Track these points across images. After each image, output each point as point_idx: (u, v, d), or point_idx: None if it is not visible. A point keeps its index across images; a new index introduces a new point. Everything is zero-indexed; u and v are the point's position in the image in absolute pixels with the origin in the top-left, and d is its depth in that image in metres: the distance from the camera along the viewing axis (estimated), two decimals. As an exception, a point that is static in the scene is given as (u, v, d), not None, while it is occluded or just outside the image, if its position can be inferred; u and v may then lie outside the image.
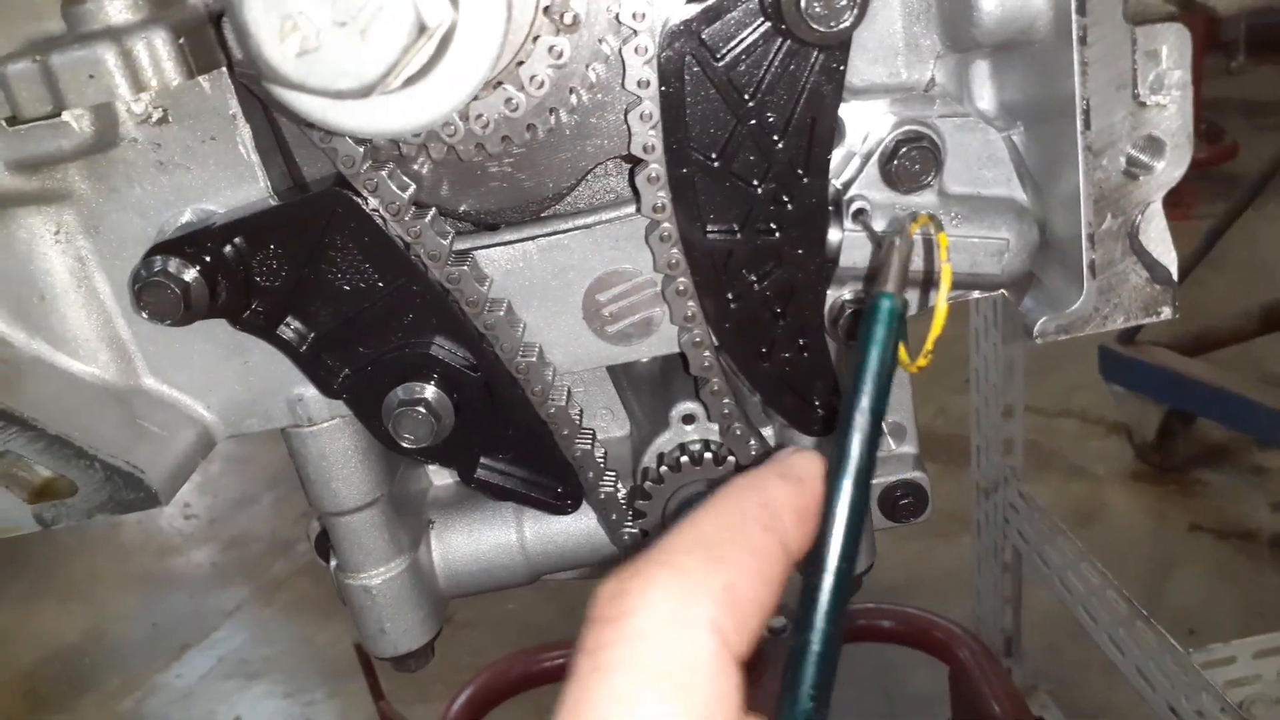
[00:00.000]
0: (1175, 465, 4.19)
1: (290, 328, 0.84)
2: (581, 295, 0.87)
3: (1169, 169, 0.74)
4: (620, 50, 0.74)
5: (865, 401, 0.54)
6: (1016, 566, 3.22)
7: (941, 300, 0.59)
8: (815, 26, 0.68)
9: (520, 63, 0.70)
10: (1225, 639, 2.65)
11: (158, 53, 0.74)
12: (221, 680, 4.13)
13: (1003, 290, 0.85)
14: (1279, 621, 3.11)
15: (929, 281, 0.80)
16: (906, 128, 0.78)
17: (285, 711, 3.91)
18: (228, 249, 0.80)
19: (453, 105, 0.56)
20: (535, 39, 0.70)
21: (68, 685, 4.16)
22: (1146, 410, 4.19)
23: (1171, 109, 0.73)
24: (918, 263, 0.79)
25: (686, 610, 0.47)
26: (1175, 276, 0.77)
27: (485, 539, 1.04)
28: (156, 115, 0.80)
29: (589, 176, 0.85)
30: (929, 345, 0.61)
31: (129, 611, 4.61)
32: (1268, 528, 3.93)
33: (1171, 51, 0.71)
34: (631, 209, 0.85)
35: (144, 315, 0.79)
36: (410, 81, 0.53)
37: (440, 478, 1.11)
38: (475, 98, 0.71)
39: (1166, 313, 0.79)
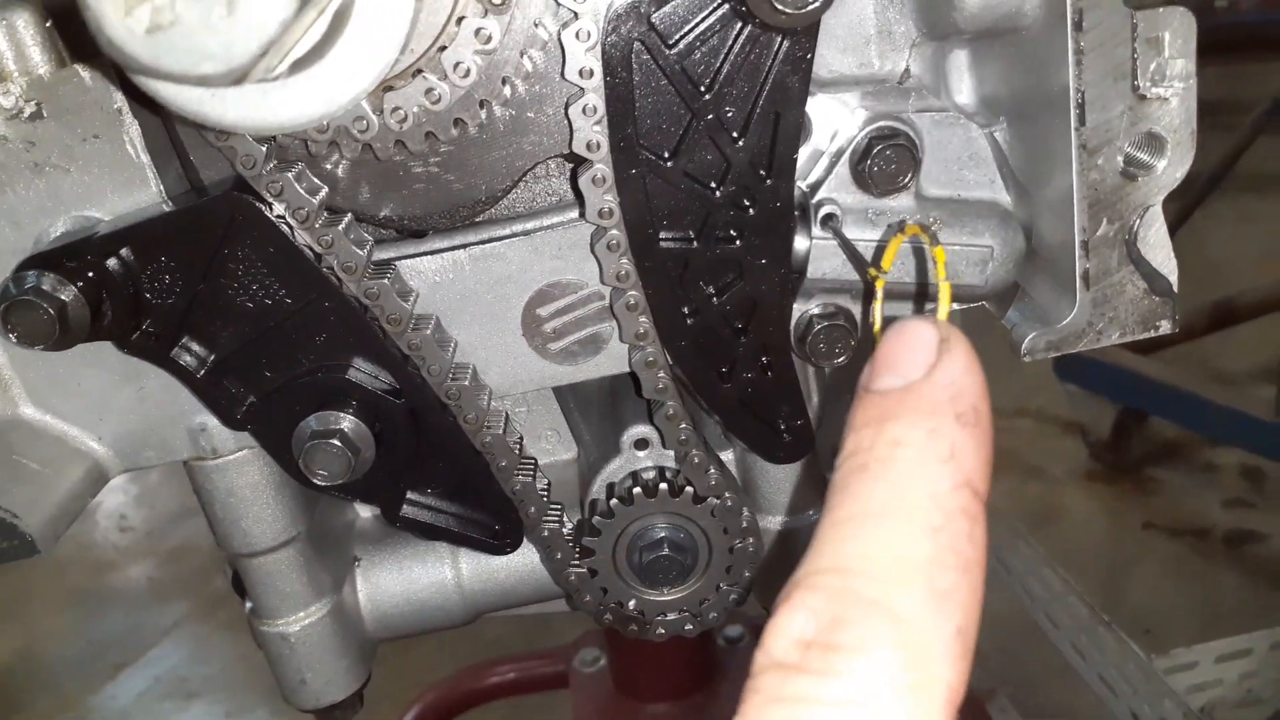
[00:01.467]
0: (1129, 464, 4.19)
1: (187, 350, 0.74)
2: (520, 309, 0.78)
3: (1170, 169, 0.67)
4: (559, 35, 0.65)
5: None
6: (975, 570, 3.17)
7: (941, 319, 0.50)
8: (781, 9, 0.59)
9: (443, 48, 0.61)
10: (1181, 638, 2.62)
11: (19, 36, 0.65)
12: (159, 700, 3.97)
13: (984, 303, 0.77)
14: (1234, 619, 3.10)
15: (922, 295, 0.72)
16: (880, 124, 0.70)
17: (226, 732, 3.76)
18: (112, 262, 0.70)
19: (352, 95, 0.47)
20: (459, 20, 0.61)
21: (-5, 708, 3.97)
22: (1100, 409, 4.18)
23: (1174, 102, 0.65)
24: (901, 274, 0.71)
25: (917, 675, 0.38)
26: (1175, 287, 0.70)
27: (417, 577, 0.95)
28: (29, 110, 0.70)
29: (527, 178, 0.76)
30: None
31: (62, 630, 4.43)
32: (1220, 525, 3.93)
33: (1175, 38, 0.64)
34: (575, 213, 0.76)
35: (13, 339, 0.68)
36: (300, 65, 0.43)
37: (368, 510, 1.01)
38: (388, 87, 0.62)
39: (1165, 327, 0.71)
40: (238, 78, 0.39)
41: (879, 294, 0.58)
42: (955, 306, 0.75)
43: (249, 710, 3.81)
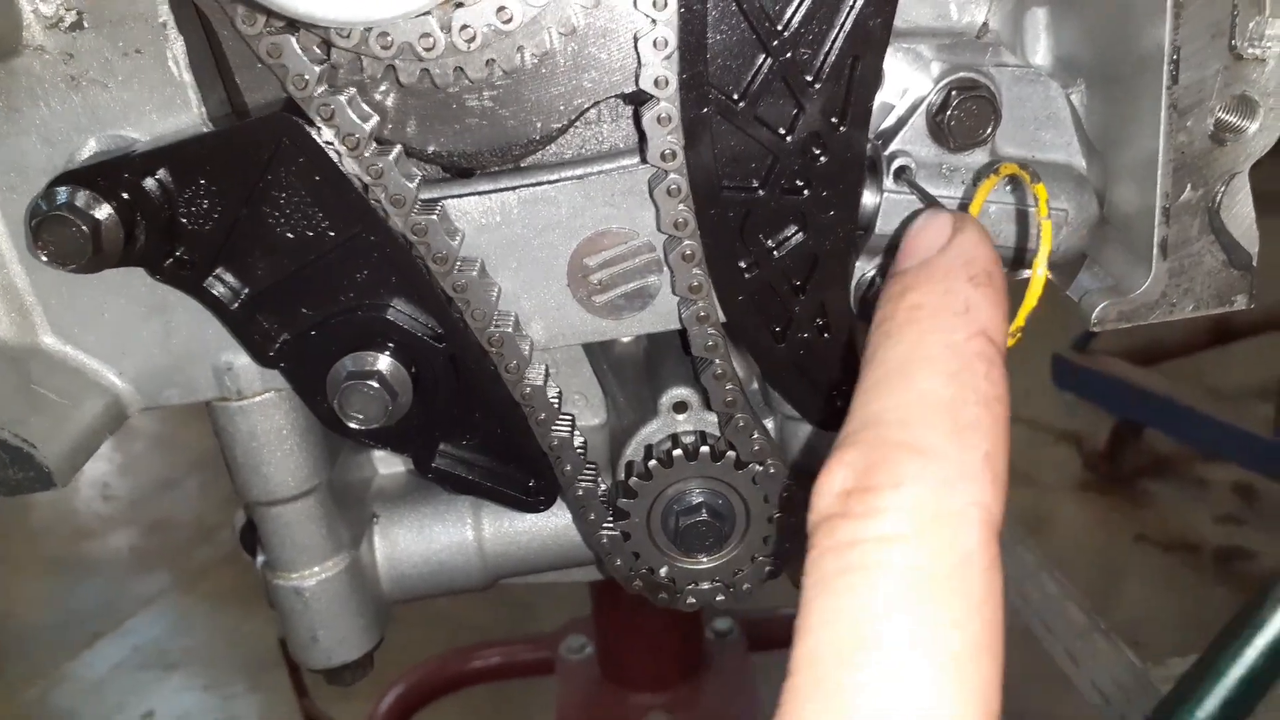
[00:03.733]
0: (1123, 475, 4.18)
1: (221, 281, 0.71)
2: (567, 258, 0.75)
3: (1262, 134, 0.64)
4: (634, -38, 0.62)
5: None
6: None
7: (1040, 264, 0.48)
8: (876, -61, 0.56)
9: (517, -37, 0.58)
10: (1169, 651, 2.61)
11: (65, -64, 0.61)
12: (136, 671, 3.92)
13: (1049, 272, 0.74)
14: (1222, 635, 3.10)
15: (1017, 259, 0.69)
16: (960, 74, 0.67)
17: (203, 705, 3.72)
18: (149, 183, 0.67)
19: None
20: (536, -64, 0.58)
21: (-33, 674, 3.92)
22: (1096, 420, 4.18)
23: (1271, 64, 0.63)
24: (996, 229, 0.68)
25: (951, 501, 0.40)
26: (1255, 260, 0.68)
27: (437, 537, 0.92)
28: (69, 19, 0.67)
29: (579, 120, 0.73)
30: (1020, 320, 0.50)
31: (39, 597, 4.37)
32: (1211, 540, 3.93)
33: (1278, -3, 0.61)
34: (630, 160, 0.73)
35: (43, 258, 0.65)
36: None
37: (387, 465, 0.98)
38: (459, 3, 0.59)
39: (1241, 302, 0.69)
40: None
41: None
42: (1022, 274, 0.72)
43: (227, 684, 3.77)
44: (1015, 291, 0.58)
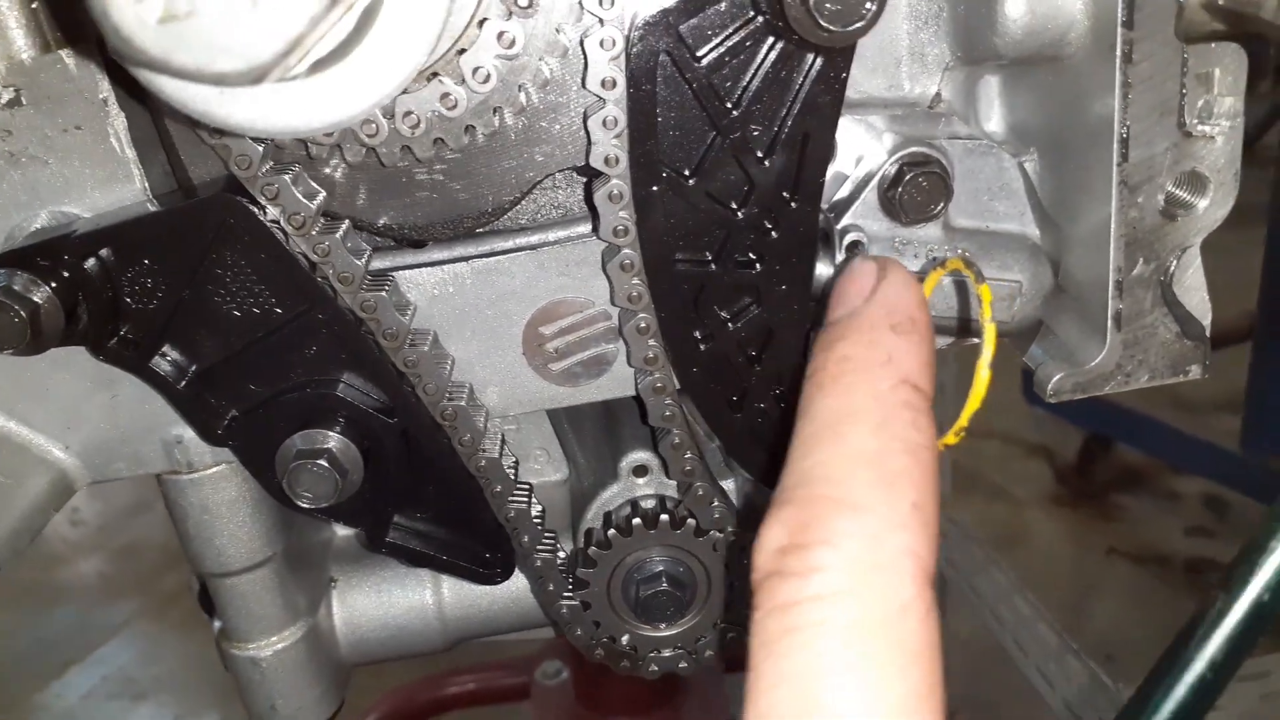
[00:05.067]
0: (1094, 489, 4.21)
1: (167, 360, 0.70)
2: (522, 327, 0.74)
3: (1212, 209, 0.64)
4: (582, 42, 0.61)
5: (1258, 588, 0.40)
6: (941, 591, 3.17)
7: (983, 365, 0.48)
8: (826, 26, 0.56)
9: (462, 50, 0.57)
10: (1142, 664, 2.62)
11: (3, 17, 0.60)
12: (106, 700, 3.87)
13: (1005, 339, 0.74)
14: (1194, 649, 3.11)
15: (959, 329, 0.69)
16: (912, 149, 0.67)
17: (174, 735, 3.67)
18: (91, 263, 0.66)
19: (375, 100, 0.43)
20: (481, 23, 0.57)
21: (-66, 705, 3.85)
22: (1067, 434, 4.20)
23: (1219, 141, 0.63)
24: (940, 308, 0.68)
25: (883, 552, 0.41)
26: (1208, 331, 0.68)
27: (396, 601, 0.91)
28: (6, 96, 0.65)
29: (534, 190, 0.72)
30: (963, 421, 0.49)
31: (8, 626, 4.30)
32: (1182, 553, 3.96)
33: (1225, 75, 0.61)
34: (584, 228, 0.72)
35: (-20, 342, 0.63)
36: (320, 66, 0.39)
37: (346, 528, 0.97)
38: (404, 91, 0.58)
39: (1196, 372, 0.69)
40: (257, 77, 0.35)
41: (989, 343, 0.55)
42: (973, 340, 0.72)
43: (199, 713, 3.72)
44: (971, 357, 0.57)
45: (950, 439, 0.50)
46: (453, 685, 3.12)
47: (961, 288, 0.69)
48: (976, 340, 0.72)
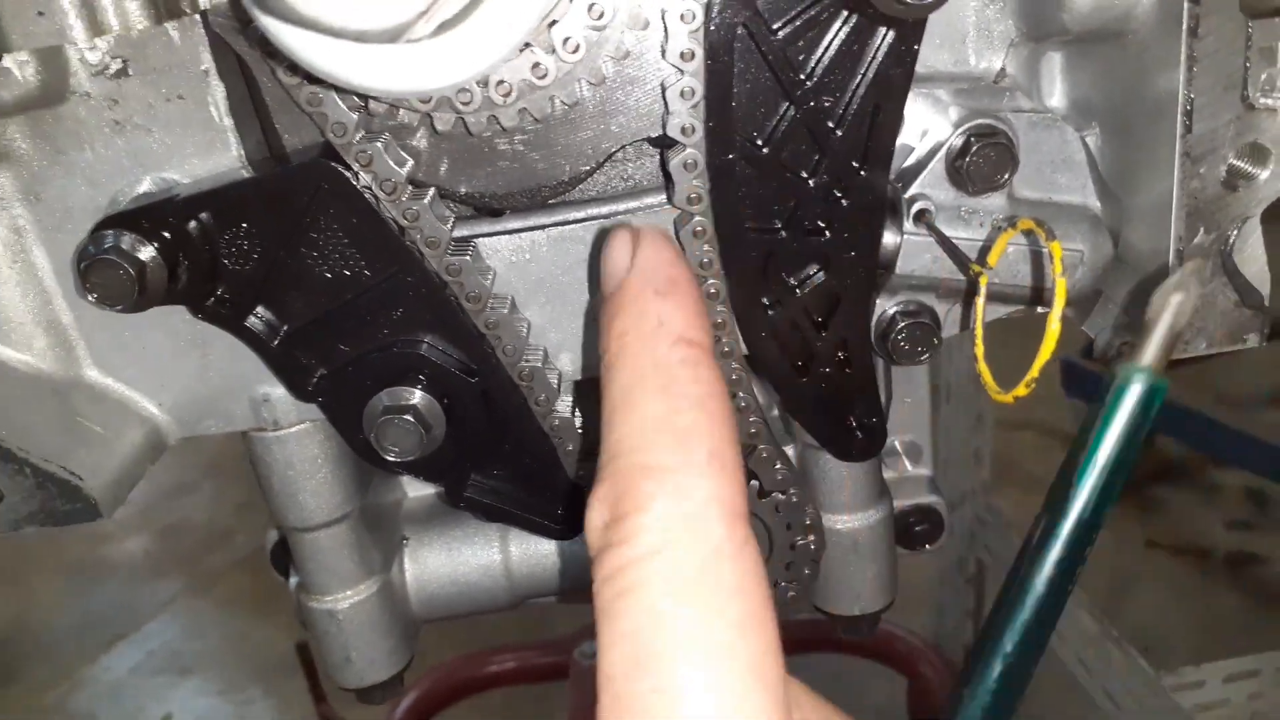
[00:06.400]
0: (1133, 481, 4.18)
1: (260, 319, 0.73)
2: (594, 294, 0.77)
3: (1273, 180, 0.66)
4: (663, 15, 0.64)
5: (1077, 511, 0.44)
6: (979, 580, 3.17)
7: (1054, 319, 0.50)
8: (899, 0, 0.58)
9: (553, 22, 0.60)
10: (1179, 657, 2.62)
11: (120, -10, 0.63)
12: (152, 675, 3.96)
13: (1067, 309, 0.76)
14: (1233, 641, 3.10)
15: (1030, 297, 0.71)
16: (979, 121, 0.69)
17: (219, 710, 3.75)
18: (192, 225, 0.69)
19: (489, 63, 0.46)
20: (572, -5, 0.60)
21: (-11, 676, 3.96)
22: (1106, 426, 4.18)
23: (1282, 113, 0.65)
24: (1002, 274, 0.70)
25: (686, 504, 0.45)
26: (1268, 300, 0.69)
27: (466, 559, 0.94)
28: (115, 66, 0.69)
29: (607, 162, 0.75)
30: (1034, 372, 0.52)
31: (57, 601, 4.41)
32: (1222, 546, 3.94)
33: (1289, 49, 0.63)
34: (655, 199, 0.75)
35: (91, 299, 0.67)
36: (444, 28, 0.42)
37: (416, 489, 1.00)
38: (499, 60, 0.61)
39: (1253, 340, 0.71)
40: (393, 35, 0.38)
41: (983, 290, 0.57)
42: (1039, 310, 0.74)
43: (242, 689, 3.80)
44: (1039, 326, 0.59)
45: (1021, 390, 0.52)
46: (492, 664, 3.18)
47: (1027, 258, 0.72)
48: (1043, 310, 0.74)
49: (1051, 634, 0.45)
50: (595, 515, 0.47)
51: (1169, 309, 0.42)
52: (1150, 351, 0.43)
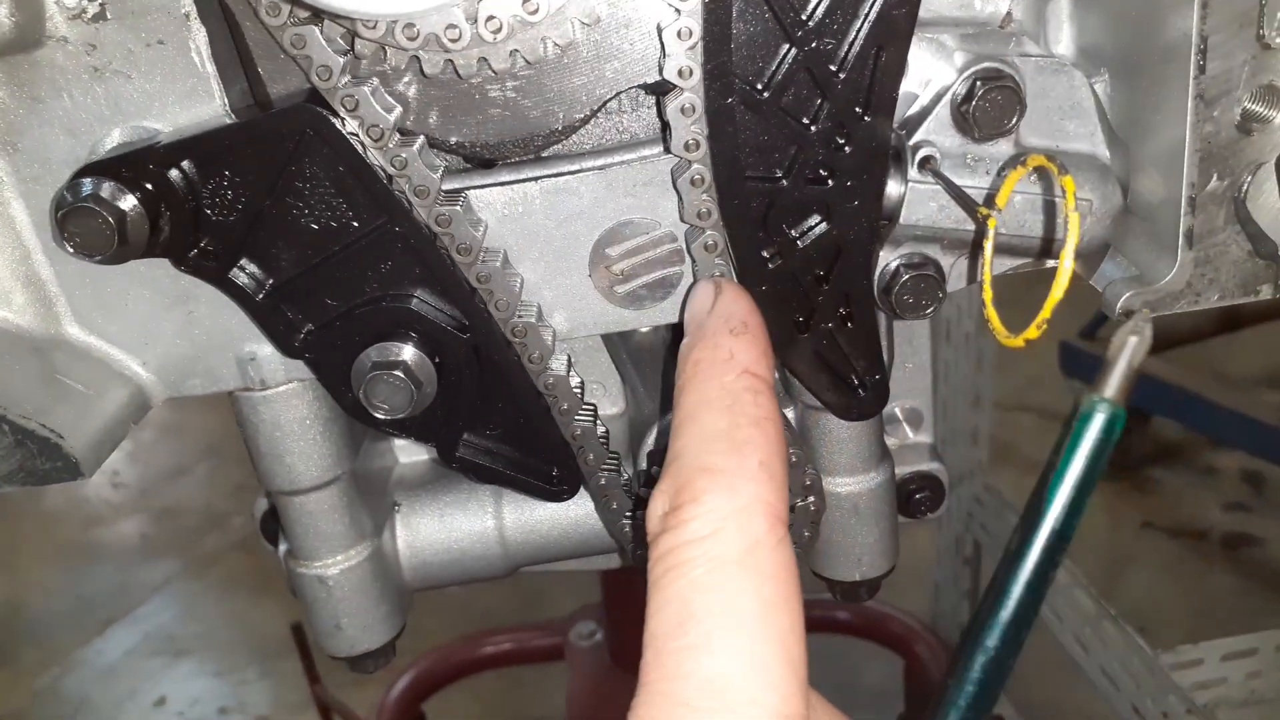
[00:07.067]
0: (1130, 463, 4.18)
1: (245, 272, 0.71)
2: (589, 248, 0.75)
3: (1290, 124, 0.64)
4: (659, -48, 0.62)
5: (1049, 525, 0.49)
6: (976, 560, 3.16)
7: (1067, 256, 0.48)
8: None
9: (545, -46, 0.58)
10: (1174, 637, 2.61)
11: (93, -74, 0.61)
12: (147, 657, 3.95)
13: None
14: (1229, 621, 3.10)
15: (1040, 249, 0.69)
16: (985, 64, 0.67)
17: (214, 691, 3.74)
18: (174, 174, 0.67)
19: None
20: (563, -74, 0.58)
21: (-20, 659, 3.95)
22: (1104, 407, 4.17)
23: (1299, 54, 0.62)
24: (1008, 224, 0.68)
25: (735, 501, 0.52)
26: (1281, 250, 0.68)
27: (459, 526, 0.92)
28: (92, 10, 0.67)
29: (601, 111, 0.73)
30: (1046, 312, 0.50)
31: (50, 583, 4.40)
32: (1219, 527, 3.94)
33: (1307, -15, 0.61)
34: (651, 150, 0.73)
35: (69, 249, 0.65)
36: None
37: (408, 454, 0.99)
38: (488, -7, 0.59)
39: (1267, 291, 0.69)
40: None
41: (990, 234, 0.55)
42: (1048, 263, 0.72)
43: (238, 670, 3.79)
44: (1044, 279, 0.58)
45: (1032, 332, 0.50)
46: (488, 645, 3.17)
47: (1034, 208, 0.69)
48: (1050, 263, 0.72)
49: (1029, 631, 0.51)
50: (656, 505, 0.55)
51: (1127, 348, 0.48)
52: (1111, 385, 0.49)
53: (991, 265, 0.58)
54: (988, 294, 0.57)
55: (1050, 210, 0.69)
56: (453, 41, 0.60)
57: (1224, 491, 4.10)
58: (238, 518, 4.51)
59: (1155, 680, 2.25)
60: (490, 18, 0.60)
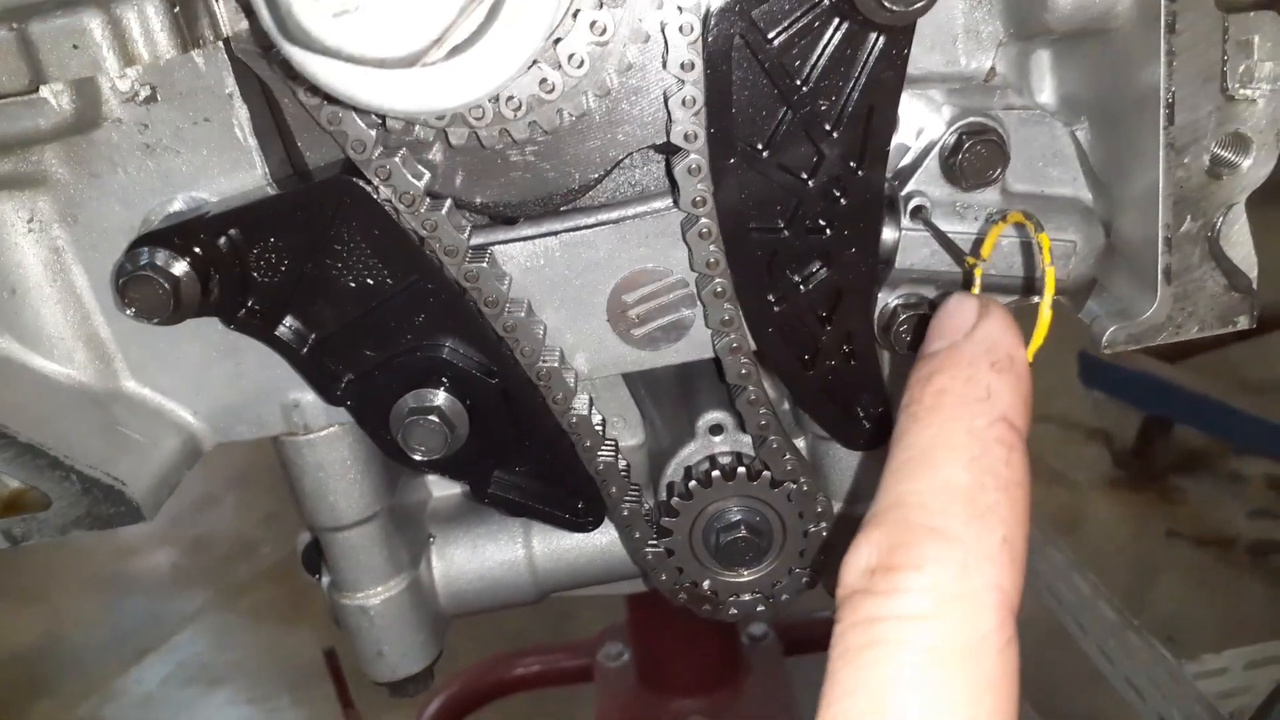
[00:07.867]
0: (1154, 472, 4.18)
1: (289, 328, 0.77)
2: (606, 295, 0.80)
3: (1255, 168, 0.69)
4: (663, 29, 0.67)
5: None
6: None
7: (1045, 307, 0.53)
8: (889, 6, 0.62)
9: (558, 40, 0.63)
10: (1203, 646, 2.62)
11: (150, 22, 0.67)
12: (182, 686, 4.01)
13: (1061, 297, 0.79)
14: (1257, 629, 3.10)
15: (1022, 287, 0.74)
16: (970, 119, 0.72)
17: (250, 719, 3.80)
18: (222, 241, 0.73)
19: (500, 81, 0.49)
20: (575, 13, 0.63)
21: (23, 690, 4.02)
22: (1125, 416, 4.18)
23: (1261, 104, 0.67)
24: (999, 267, 0.73)
25: (969, 583, 0.43)
26: (1255, 284, 0.72)
27: (490, 555, 0.98)
28: (144, 93, 0.73)
29: (615, 169, 0.78)
30: (1029, 355, 0.54)
31: (87, 614, 4.47)
32: (1245, 535, 3.93)
33: (1265, 42, 0.66)
34: (661, 203, 0.78)
35: (129, 313, 0.71)
36: (456, 51, 0.46)
37: (440, 489, 1.04)
38: (509, 76, 0.64)
39: (1243, 322, 0.73)
40: (411, 61, 0.42)
41: (977, 282, 0.60)
42: (1033, 299, 0.77)
43: (272, 698, 3.85)
44: (1029, 315, 0.62)
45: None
46: (518, 667, 3.21)
47: (1020, 250, 0.74)
48: (1036, 299, 0.76)
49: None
50: (861, 556, 0.45)
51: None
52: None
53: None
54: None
55: (1032, 251, 0.73)
56: (476, 119, 0.66)
57: (1249, 499, 4.09)
58: (267, 546, 4.58)
59: (1180, 689, 2.27)
60: (510, 98, 0.65)
